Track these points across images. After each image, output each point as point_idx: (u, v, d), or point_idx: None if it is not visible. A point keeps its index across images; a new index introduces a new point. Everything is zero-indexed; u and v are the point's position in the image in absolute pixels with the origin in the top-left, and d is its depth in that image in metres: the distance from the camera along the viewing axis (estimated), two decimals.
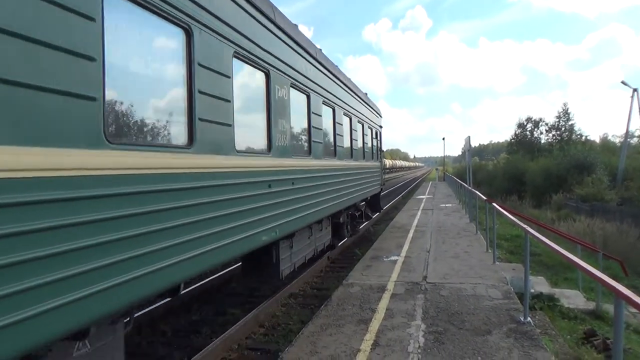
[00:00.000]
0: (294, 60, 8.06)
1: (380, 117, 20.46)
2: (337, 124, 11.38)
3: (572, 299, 10.54)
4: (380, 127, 20.33)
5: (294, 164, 7.88)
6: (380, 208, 20.73)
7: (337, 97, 11.41)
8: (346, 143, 12.55)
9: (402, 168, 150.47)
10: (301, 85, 8.48)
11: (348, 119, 12.87)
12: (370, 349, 5.88)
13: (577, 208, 30.51)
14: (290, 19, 8.45)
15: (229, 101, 5.61)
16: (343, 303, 7.82)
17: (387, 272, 9.84)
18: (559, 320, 8.59)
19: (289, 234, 7.87)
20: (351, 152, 13.03)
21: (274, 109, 7.10)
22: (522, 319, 6.75)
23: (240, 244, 5.84)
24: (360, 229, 17.10)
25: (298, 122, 8.55)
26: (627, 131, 39.03)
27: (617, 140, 66.22)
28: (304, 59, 8.67)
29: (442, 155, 77.73)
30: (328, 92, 10.49)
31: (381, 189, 19.55)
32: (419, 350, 5.77)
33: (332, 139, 11.06)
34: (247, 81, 6.59)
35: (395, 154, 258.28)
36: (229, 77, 5.61)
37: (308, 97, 8.99)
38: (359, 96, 14.79)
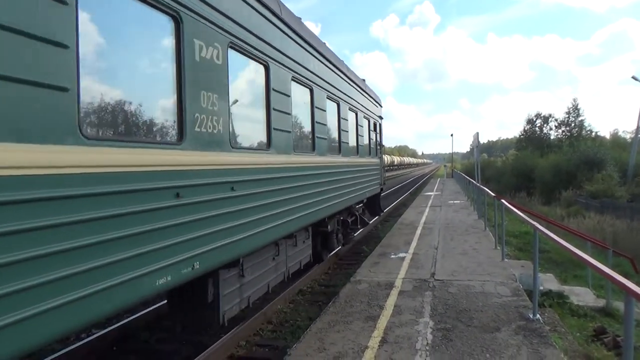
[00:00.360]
0: (234, 8, 5.66)
1: (380, 106, 17.96)
2: (317, 110, 9.02)
3: (582, 296, 10.46)
4: (381, 118, 17.86)
5: (234, 160, 5.59)
6: (380, 211, 18.39)
7: (318, 76, 9.13)
8: (332, 135, 10.44)
9: (410, 165, 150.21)
10: (252, 49, 6.11)
11: (335, 105, 10.63)
12: (378, 345, 5.87)
13: (587, 205, 30.27)
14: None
15: (64, 47, 3.27)
16: (351, 300, 7.81)
17: (395, 269, 9.81)
18: (569, 317, 8.54)
19: (232, 261, 5.77)
20: (339, 147, 10.86)
21: (191, 75, 4.74)
22: (531, 316, 6.71)
23: (84, 306, 3.41)
24: (355, 237, 14.90)
25: (247, 101, 6.51)
26: (638, 127, 38.59)
27: (627, 136, 65.71)
28: (257, 13, 6.33)
29: (451, 152, 77.42)
30: (303, 67, 8.20)
31: (381, 189, 17.33)
32: (427, 347, 5.75)
33: (309, 129, 8.82)
34: (122, 21, 4.11)
35: (403, 150, 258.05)
36: (64, 2, 3.30)
37: (266, 68, 6.69)
38: (352, 80, 12.40)
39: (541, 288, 9.27)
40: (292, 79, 7.74)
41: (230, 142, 5.53)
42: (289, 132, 7.49)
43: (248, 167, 6.01)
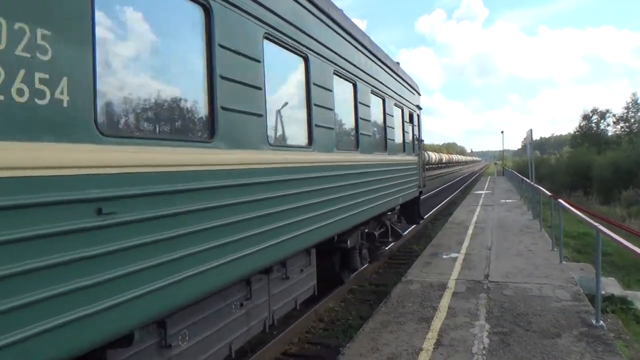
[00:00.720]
0: None
1: (419, 95, 15.16)
2: (316, 89, 6.52)
3: None
4: (419, 108, 15.09)
5: (111, 160, 3.12)
6: (419, 218, 15.21)
7: (317, 42, 6.56)
8: (345, 125, 8.13)
9: (458, 162, 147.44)
10: None
11: (350, 85, 8.17)
12: (433, 348, 5.79)
13: None
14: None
15: None
16: (403, 300, 7.74)
17: (447, 270, 9.65)
18: (634, 324, 8.12)
19: (126, 333, 3.32)
20: (357, 141, 8.30)
21: None
22: (593, 322, 6.44)
23: None
24: (385, 251, 11.99)
25: (159, 56, 3.85)
26: None
27: None
28: None
29: (501, 149, 75.34)
30: (288, 22, 5.62)
31: (421, 192, 14.41)
32: (484, 352, 5.62)
33: (302, 116, 6.34)
34: None
35: (451, 147, 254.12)
36: None
37: (206, 10, 4.17)
38: (377, 57, 9.87)
39: (603, 292, 8.88)
40: (266, 37, 5.11)
41: (98, 127, 3.02)
42: (260, 115, 4.94)
43: (154, 171, 3.45)
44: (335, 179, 6.94)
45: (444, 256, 11.07)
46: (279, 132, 5.80)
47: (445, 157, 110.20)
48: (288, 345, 7.04)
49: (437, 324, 6.60)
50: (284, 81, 6.07)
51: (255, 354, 6.28)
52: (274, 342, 6.72)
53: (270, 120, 5.32)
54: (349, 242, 8.29)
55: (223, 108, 4.32)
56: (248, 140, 4.77)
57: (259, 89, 4.99)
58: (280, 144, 5.69)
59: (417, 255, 11.81)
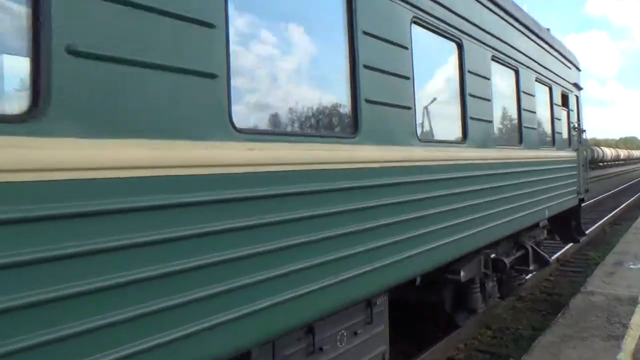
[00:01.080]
0: None
1: (577, 70, 11.48)
2: (369, 40, 4.00)
3: None
4: (579, 88, 11.53)
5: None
6: (580, 234, 11.46)
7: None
8: (441, 105, 5.62)
9: (639, 159, 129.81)
10: None
11: (452, 46, 5.59)
12: None
13: None
14: None
15: None
16: (585, 313, 6.99)
17: (637, 282, 8.49)
18: None
19: None
20: (465, 129, 5.65)
21: None
22: None
23: None
24: (525, 282, 9.18)
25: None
26: None
27: None
28: None
29: None
30: None
31: (582, 200, 10.85)
32: None
33: (345, 83, 3.89)
34: None
35: (631, 142, 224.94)
36: None
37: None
38: (505, 10, 6.94)
39: None
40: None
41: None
42: (210, 79, 2.75)
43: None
44: (412, 188, 4.43)
45: (632, 266, 9.77)
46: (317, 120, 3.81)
47: (623, 153, 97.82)
48: (454, 351, 6.82)
49: (630, 344, 5.83)
50: (312, 33, 3.83)
51: (418, 357, 6.20)
52: (438, 345, 6.56)
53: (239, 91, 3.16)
54: (462, 273, 5.94)
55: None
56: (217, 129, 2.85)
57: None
58: (270, 132, 3.42)
59: (595, 264, 10.66)
